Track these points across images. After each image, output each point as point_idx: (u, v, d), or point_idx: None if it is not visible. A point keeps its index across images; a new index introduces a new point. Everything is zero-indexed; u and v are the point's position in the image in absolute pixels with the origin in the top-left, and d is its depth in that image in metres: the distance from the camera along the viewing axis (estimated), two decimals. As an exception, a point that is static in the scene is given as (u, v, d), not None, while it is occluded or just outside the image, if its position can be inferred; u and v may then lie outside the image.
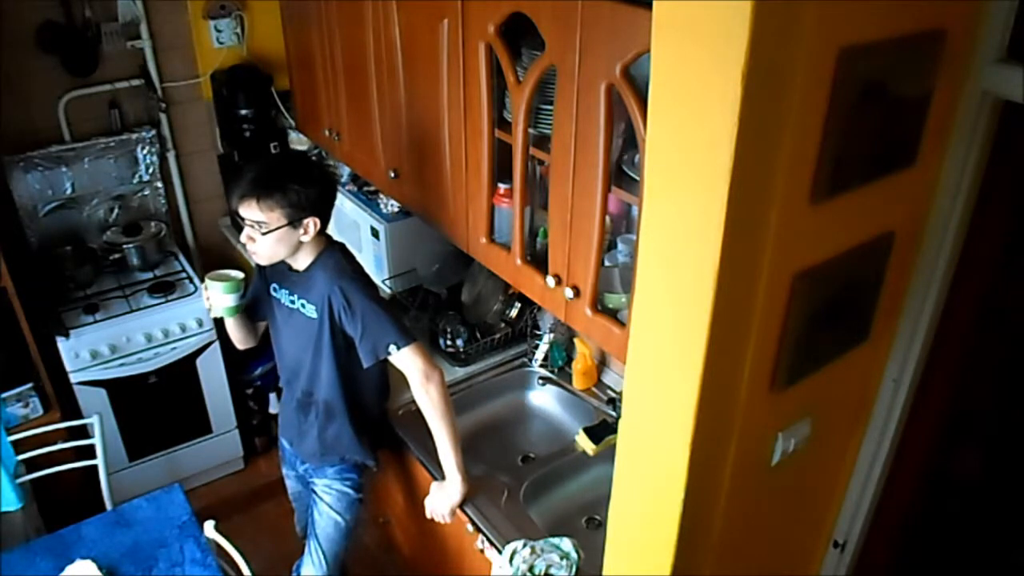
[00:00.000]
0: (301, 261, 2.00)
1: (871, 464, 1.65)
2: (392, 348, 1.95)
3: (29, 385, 2.69)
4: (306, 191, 1.87)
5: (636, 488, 1.41)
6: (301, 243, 1.94)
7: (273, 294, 2.11)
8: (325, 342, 2.02)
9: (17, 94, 2.80)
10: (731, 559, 1.55)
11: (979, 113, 1.28)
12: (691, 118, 1.04)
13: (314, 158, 3.09)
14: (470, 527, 2.04)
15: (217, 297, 2.02)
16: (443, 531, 2.22)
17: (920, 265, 1.44)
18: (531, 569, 1.79)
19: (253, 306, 2.21)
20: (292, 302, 2.06)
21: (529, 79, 1.67)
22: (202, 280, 2.03)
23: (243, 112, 3.07)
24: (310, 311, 2.02)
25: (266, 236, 1.89)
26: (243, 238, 1.92)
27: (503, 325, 2.59)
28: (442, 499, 2.05)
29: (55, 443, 2.43)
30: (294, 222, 1.89)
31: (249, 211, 1.87)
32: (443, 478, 2.06)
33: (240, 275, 2.04)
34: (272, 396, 3.36)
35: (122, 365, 2.88)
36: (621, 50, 1.42)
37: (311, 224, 1.91)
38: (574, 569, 1.79)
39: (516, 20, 1.66)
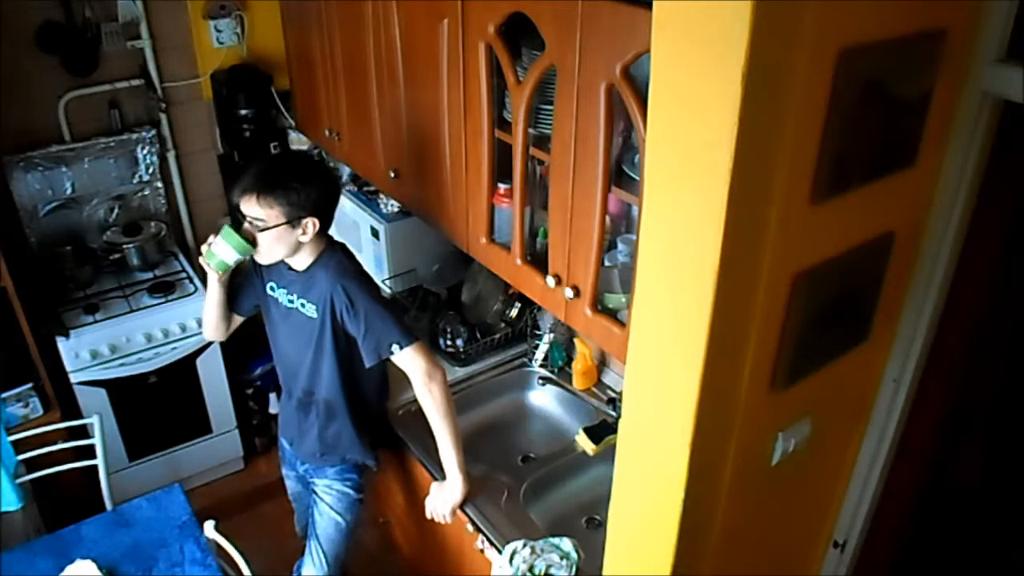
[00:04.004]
0: (301, 261, 2.00)
1: (871, 464, 1.65)
2: (395, 348, 1.95)
3: (29, 385, 2.69)
4: (307, 191, 1.87)
5: (636, 488, 1.41)
6: (300, 243, 1.94)
7: (270, 293, 2.10)
8: (326, 341, 2.02)
9: (17, 94, 2.79)
10: (731, 559, 1.55)
11: (979, 113, 1.28)
12: (691, 118, 1.04)
13: (316, 158, 3.09)
14: (470, 527, 2.04)
15: (221, 244, 1.91)
16: (443, 531, 2.21)
17: (920, 265, 1.44)
18: (531, 569, 1.79)
19: (235, 296, 2.16)
20: (291, 301, 2.06)
21: (529, 79, 1.67)
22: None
23: (243, 112, 3.07)
24: (310, 310, 2.02)
25: (264, 233, 1.89)
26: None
27: (503, 325, 2.59)
28: (443, 499, 2.05)
29: (55, 443, 2.42)
30: (292, 221, 1.88)
31: (248, 207, 1.87)
32: (443, 478, 2.06)
33: (251, 248, 1.94)
34: (272, 396, 3.36)
35: (122, 365, 2.88)
36: (621, 50, 1.42)
37: (310, 225, 1.91)
38: (574, 569, 1.79)
39: (516, 20, 1.66)
